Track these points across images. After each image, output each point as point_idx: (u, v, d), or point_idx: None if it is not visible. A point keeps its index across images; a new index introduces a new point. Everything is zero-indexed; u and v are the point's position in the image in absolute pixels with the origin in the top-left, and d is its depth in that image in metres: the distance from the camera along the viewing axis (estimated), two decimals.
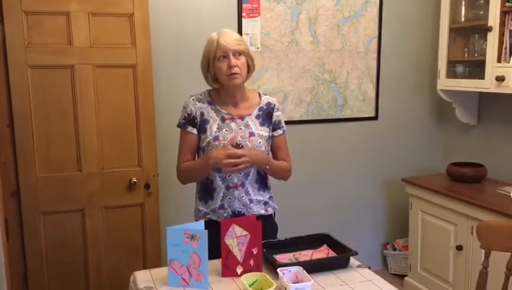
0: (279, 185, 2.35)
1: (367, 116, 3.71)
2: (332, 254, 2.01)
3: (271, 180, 2.26)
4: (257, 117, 2.17)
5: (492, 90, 3.02)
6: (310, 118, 3.54)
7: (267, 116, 2.19)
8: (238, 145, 2.06)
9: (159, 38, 3.06)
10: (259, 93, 2.26)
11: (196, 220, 2.16)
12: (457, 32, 3.38)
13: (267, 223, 2.16)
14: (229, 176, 2.10)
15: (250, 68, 2.14)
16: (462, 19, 3.36)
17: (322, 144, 3.62)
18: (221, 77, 2.09)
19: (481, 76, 3.08)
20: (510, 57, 2.91)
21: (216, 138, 2.09)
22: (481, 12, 3.16)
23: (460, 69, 3.35)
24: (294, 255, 2.00)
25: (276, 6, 3.34)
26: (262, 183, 2.20)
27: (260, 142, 2.13)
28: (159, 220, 2.93)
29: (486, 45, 3.04)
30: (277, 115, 2.22)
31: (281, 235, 2.22)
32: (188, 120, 2.14)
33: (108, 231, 2.84)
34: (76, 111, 2.70)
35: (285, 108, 3.45)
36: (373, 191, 3.83)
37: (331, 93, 3.57)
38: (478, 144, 3.59)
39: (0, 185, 2.31)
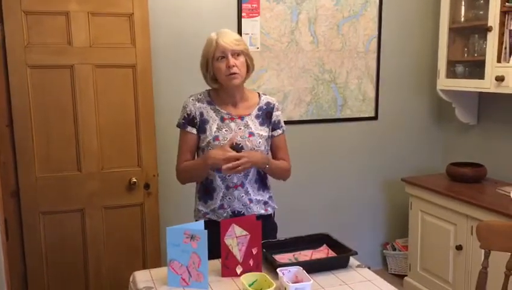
0: (279, 185, 2.35)
1: (367, 116, 3.71)
2: (332, 254, 2.01)
3: (271, 180, 2.26)
4: (256, 117, 2.17)
5: (492, 90, 3.02)
6: (309, 118, 3.54)
7: (266, 116, 2.19)
8: (237, 145, 2.07)
9: (159, 38, 3.06)
10: (258, 93, 2.26)
11: (196, 220, 2.16)
12: (457, 32, 3.38)
13: (267, 223, 2.16)
14: (228, 176, 2.10)
15: (249, 68, 2.14)
16: (462, 19, 3.36)
17: (322, 144, 3.62)
18: (220, 77, 2.09)
19: (481, 76, 3.08)
20: (510, 57, 2.91)
21: (216, 138, 2.09)
22: (481, 12, 3.16)
23: (460, 69, 3.35)
24: (294, 255, 2.00)
25: (276, 6, 3.34)
26: (262, 183, 2.21)
27: (260, 142, 2.13)
28: (158, 220, 2.93)
29: (486, 45, 3.04)
30: (276, 115, 2.22)
31: (281, 235, 2.22)
32: (188, 120, 2.14)
33: (108, 231, 2.84)
34: (76, 111, 2.70)
35: (285, 108, 3.45)
36: (373, 191, 3.83)
37: (331, 93, 3.57)
38: (478, 144, 3.59)
39: None
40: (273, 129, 2.21)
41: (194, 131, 2.14)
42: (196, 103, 2.15)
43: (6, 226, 2.52)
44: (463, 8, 3.35)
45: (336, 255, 1.99)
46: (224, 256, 1.85)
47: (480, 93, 3.49)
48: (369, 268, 1.94)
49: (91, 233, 2.81)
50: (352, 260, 1.97)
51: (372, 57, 3.64)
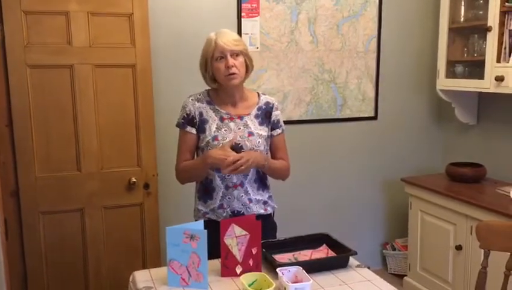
0: (278, 185, 2.35)
1: (366, 116, 3.71)
2: (331, 253, 2.01)
3: (270, 179, 2.26)
4: (256, 117, 2.17)
5: (492, 90, 3.02)
6: (309, 118, 3.54)
7: (266, 115, 2.19)
8: (237, 145, 2.07)
9: (159, 38, 3.06)
10: (258, 92, 2.26)
11: (195, 220, 2.16)
12: (456, 32, 3.38)
13: (267, 222, 2.16)
14: (228, 175, 2.10)
15: (248, 68, 2.14)
16: (462, 19, 3.37)
17: (322, 144, 3.62)
18: (219, 77, 2.09)
19: (480, 76, 3.08)
20: (509, 57, 2.91)
21: (215, 138, 2.09)
22: (480, 12, 3.16)
23: (459, 69, 3.35)
24: (293, 255, 2.00)
25: (276, 6, 3.34)
26: (262, 182, 2.21)
27: (259, 141, 2.13)
28: (158, 220, 2.93)
29: (485, 45, 3.04)
30: (276, 115, 2.22)
31: (281, 235, 2.22)
32: (187, 120, 2.14)
33: (108, 230, 2.84)
34: (76, 111, 2.70)
35: (285, 108, 3.45)
36: (372, 191, 3.83)
37: (331, 93, 3.57)
38: (477, 144, 3.59)
39: None
40: (273, 129, 2.21)
41: (194, 131, 2.14)
42: (195, 102, 2.15)
43: (6, 226, 2.52)
44: (463, 8, 3.35)
45: (335, 255, 1.99)
46: (223, 256, 1.85)
47: (480, 93, 3.49)
48: (368, 268, 1.95)
49: (91, 233, 2.81)
50: (352, 260, 1.97)
51: (371, 57, 3.64)
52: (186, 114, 2.14)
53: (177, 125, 2.18)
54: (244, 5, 3.26)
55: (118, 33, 2.72)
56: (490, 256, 2.06)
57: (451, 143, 3.84)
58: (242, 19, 3.27)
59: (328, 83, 3.56)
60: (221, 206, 2.14)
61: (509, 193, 2.91)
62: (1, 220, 2.30)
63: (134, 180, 2.82)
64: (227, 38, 2.06)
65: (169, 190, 3.04)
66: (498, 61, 2.96)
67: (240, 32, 3.24)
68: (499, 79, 2.92)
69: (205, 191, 2.17)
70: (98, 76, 2.72)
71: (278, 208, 2.29)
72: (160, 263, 2.85)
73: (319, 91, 3.54)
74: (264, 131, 2.17)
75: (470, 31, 3.31)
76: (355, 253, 1.95)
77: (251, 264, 1.84)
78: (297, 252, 2.02)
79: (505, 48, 2.93)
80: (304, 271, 1.71)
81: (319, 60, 3.51)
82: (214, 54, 2.07)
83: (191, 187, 2.27)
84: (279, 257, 1.95)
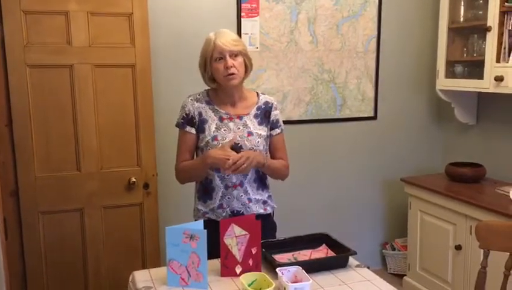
0: (278, 184, 2.35)
1: (366, 116, 3.71)
2: (331, 253, 2.01)
3: (270, 179, 2.26)
4: (255, 116, 2.17)
5: (491, 90, 3.02)
6: (309, 117, 3.54)
7: (265, 115, 2.19)
8: (236, 145, 2.07)
9: (159, 38, 3.06)
10: (257, 92, 2.26)
11: (195, 220, 2.17)
12: (456, 32, 3.38)
13: (266, 222, 2.16)
14: (227, 175, 2.10)
15: (247, 68, 2.14)
16: (461, 19, 3.37)
17: (321, 143, 3.62)
18: (218, 78, 2.09)
19: (480, 76, 3.09)
20: (509, 57, 2.91)
21: (214, 138, 2.09)
22: (480, 12, 3.16)
23: (459, 69, 3.36)
24: (293, 255, 2.00)
25: (275, 6, 3.34)
26: (261, 182, 2.21)
27: (258, 141, 2.13)
28: (158, 220, 2.93)
29: (485, 45, 3.04)
30: (275, 114, 2.22)
31: (280, 234, 2.22)
32: (187, 120, 2.14)
33: (107, 230, 2.84)
34: (75, 111, 2.70)
35: (284, 108, 3.45)
36: (372, 191, 3.83)
37: (330, 93, 3.58)
38: (477, 144, 3.59)
39: None
40: (272, 128, 2.21)
41: (193, 131, 2.14)
42: (195, 102, 2.15)
43: (6, 226, 2.52)
44: (462, 8, 3.35)
45: (335, 255, 1.99)
46: (223, 256, 1.85)
47: (480, 93, 3.49)
48: (368, 268, 1.95)
49: (90, 233, 2.81)
50: (352, 260, 1.97)
51: (371, 57, 3.64)
52: (186, 114, 2.15)
53: (177, 125, 2.18)
54: (243, 5, 3.26)
55: (117, 33, 2.72)
56: (490, 256, 2.07)
57: (450, 143, 3.85)
58: (242, 19, 3.27)
59: (328, 83, 3.56)
60: (220, 206, 2.14)
61: (509, 192, 2.92)
62: (1, 219, 2.30)
63: (134, 180, 2.82)
64: (226, 38, 2.06)
65: (169, 189, 3.04)
66: (497, 61, 2.96)
67: (239, 32, 3.24)
68: (499, 79, 2.93)
69: (205, 191, 2.17)
70: (98, 76, 2.72)
71: (277, 208, 2.29)
72: (159, 263, 2.85)
73: (318, 91, 3.54)
74: (263, 131, 2.17)
75: (469, 31, 3.31)
76: (354, 253, 1.95)
77: (251, 264, 1.84)
78: (297, 252, 2.02)
79: (505, 48, 2.93)
80: (303, 271, 1.71)
81: (318, 60, 3.51)
82: (213, 54, 2.07)
83: (191, 187, 2.27)
84: (279, 257, 1.95)
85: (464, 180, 3.28)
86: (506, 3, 2.90)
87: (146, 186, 2.85)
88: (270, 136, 2.21)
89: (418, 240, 3.42)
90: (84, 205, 2.78)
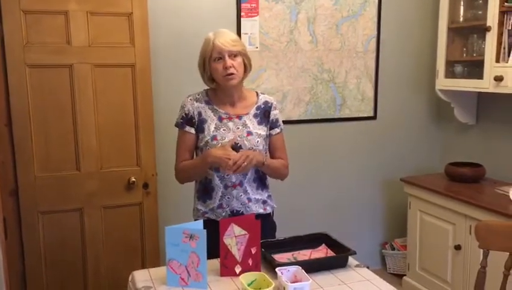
0: (277, 184, 2.35)
1: (365, 115, 3.71)
2: (330, 253, 2.01)
3: (269, 179, 2.26)
4: (255, 116, 2.17)
5: (491, 90, 3.02)
6: (308, 117, 3.54)
7: (264, 115, 2.19)
8: (236, 145, 2.07)
9: (159, 38, 3.06)
10: (256, 92, 2.26)
11: (195, 220, 2.17)
12: (456, 32, 3.38)
13: (266, 222, 2.16)
14: (227, 175, 2.10)
15: (247, 68, 2.14)
16: (461, 19, 3.37)
17: (321, 143, 3.62)
18: (217, 78, 2.09)
19: (480, 76, 3.09)
20: (508, 56, 2.91)
21: (214, 138, 2.09)
22: (480, 12, 3.16)
23: (458, 69, 3.36)
24: (292, 255, 2.00)
25: (275, 6, 3.34)
26: (261, 182, 2.21)
27: (258, 141, 2.13)
28: (157, 220, 2.93)
29: (484, 45, 3.04)
30: (274, 114, 2.22)
31: (280, 234, 2.22)
32: (186, 120, 2.14)
33: (107, 230, 2.84)
34: (75, 110, 2.70)
35: (284, 108, 3.45)
36: (372, 190, 3.83)
37: (330, 93, 3.58)
38: (477, 143, 3.59)
39: None
40: (271, 128, 2.21)
41: (193, 131, 2.14)
42: (194, 102, 2.15)
43: (5, 226, 2.52)
44: (462, 8, 3.35)
45: (334, 254, 1.99)
46: (223, 255, 1.85)
47: (479, 93, 3.49)
48: (367, 268, 1.95)
49: (90, 232, 2.81)
50: (351, 260, 1.97)
51: (371, 57, 3.64)
52: (185, 114, 2.15)
53: (176, 125, 2.18)
54: (243, 5, 3.26)
55: (117, 33, 2.72)
56: (489, 256, 2.07)
57: (450, 143, 3.85)
58: (241, 19, 3.27)
59: (327, 83, 3.56)
60: (220, 206, 2.14)
61: (509, 192, 2.92)
62: (0, 219, 2.30)
63: (134, 180, 2.82)
64: (225, 38, 2.06)
65: (169, 189, 3.04)
66: (497, 61, 2.96)
67: (239, 32, 3.24)
68: (498, 79, 2.93)
69: (204, 191, 2.17)
70: (98, 76, 2.72)
71: (277, 208, 2.29)
72: (159, 262, 2.85)
73: (318, 91, 3.54)
74: (262, 130, 2.17)
75: (469, 31, 3.31)
76: (354, 253, 1.95)
77: (250, 264, 1.84)
78: (297, 252, 2.02)
79: (504, 48, 2.93)
80: (303, 271, 1.71)
81: (318, 60, 3.51)
82: (211, 55, 2.06)
83: (190, 187, 2.27)
84: (279, 257, 1.95)
85: (463, 180, 3.28)
86: (505, 3, 2.90)
87: (146, 186, 2.85)
88: (269, 136, 2.21)
89: (418, 240, 3.42)
90: (84, 204, 2.78)
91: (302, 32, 3.43)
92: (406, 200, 3.54)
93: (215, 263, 1.89)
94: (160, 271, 1.90)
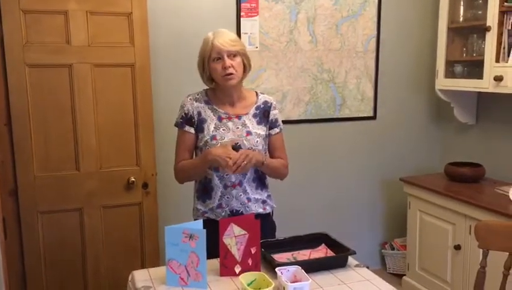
0: (277, 184, 2.35)
1: (365, 115, 3.71)
2: (330, 253, 2.01)
3: (269, 179, 2.26)
4: (254, 116, 2.17)
5: (491, 90, 3.02)
6: (308, 117, 3.54)
7: (264, 114, 2.19)
8: (236, 144, 2.07)
9: (159, 38, 3.06)
10: (256, 92, 2.26)
11: (194, 219, 2.17)
12: (455, 32, 3.38)
13: (266, 221, 2.16)
14: (226, 175, 2.10)
15: (246, 68, 2.14)
16: (461, 19, 3.37)
17: (321, 143, 3.62)
18: (216, 78, 2.09)
19: (479, 76, 3.08)
20: (508, 56, 2.91)
21: (213, 137, 2.09)
22: (479, 12, 3.16)
23: (458, 69, 3.36)
24: (292, 255, 2.00)
25: (275, 6, 3.34)
26: (260, 182, 2.21)
27: (257, 141, 2.13)
28: (157, 220, 2.93)
29: (484, 45, 3.04)
30: (274, 114, 2.22)
31: (280, 234, 2.22)
32: (185, 119, 2.14)
33: (107, 230, 2.84)
34: (75, 110, 2.70)
35: (284, 107, 3.45)
36: (371, 190, 3.83)
37: (330, 93, 3.57)
38: (476, 143, 3.59)
39: None
40: (271, 128, 2.21)
41: (192, 130, 2.14)
42: (194, 102, 2.15)
43: (5, 225, 2.52)
44: (462, 8, 3.35)
45: (334, 254, 1.99)
46: (222, 255, 1.85)
47: (479, 93, 3.49)
48: (367, 268, 1.95)
49: (89, 232, 2.81)
50: (351, 260, 1.97)
51: (370, 57, 3.64)
52: (185, 114, 2.14)
53: (176, 124, 2.18)
54: (243, 5, 3.26)
55: (117, 32, 2.72)
56: (489, 256, 2.06)
57: (450, 143, 3.85)
58: (241, 19, 3.27)
59: (327, 83, 3.56)
60: (220, 206, 2.13)
61: (508, 192, 2.92)
62: (0, 219, 2.30)
63: (133, 179, 2.82)
64: (224, 38, 2.06)
65: (168, 189, 3.04)
66: (497, 61, 2.96)
67: (239, 32, 3.24)
68: (498, 79, 2.93)
69: (204, 191, 2.17)
70: (97, 75, 2.72)
71: (276, 208, 2.29)
72: (159, 262, 2.85)
73: (318, 91, 3.54)
74: (262, 130, 2.17)
75: (469, 31, 3.31)
76: (354, 253, 1.95)
77: (250, 264, 1.84)
78: (296, 252, 2.02)
79: (504, 48, 2.93)
80: (302, 271, 1.71)
81: (318, 60, 3.51)
82: (211, 55, 2.06)
83: (190, 187, 2.27)
84: (278, 257, 1.95)
85: (463, 180, 3.28)
86: (505, 3, 2.90)
87: (145, 185, 2.85)
88: (269, 136, 2.21)
89: (417, 239, 3.42)
90: (84, 204, 2.78)
91: (302, 32, 3.43)
92: (405, 200, 3.54)
93: (215, 262, 1.89)
94: (159, 271, 1.90)
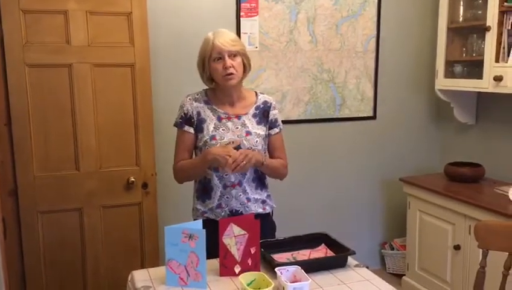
0: (277, 184, 2.35)
1: (365, 115, 3.71)
2: (330, 253, 2.01)
3: (269, 179, 2.26)
4: (254, 116, 2.17)
5: (491, 90, 3.02)
6: (308, 117, 3.54)
7: (263, 114, 2.19)
8: (238, 147, 2.07)
9: (159, 38, 3.06)
10: (255, 92, 2.26)
11: (194, 219, 2.16)
12: (455, 32, 3.38)
13: (265, 221, 2.16)
14: (226, 175, 2.10)
15: (246, 68, 2.14)
16: (461, 19, 3.37)
17: (320, 143, 3.62)
18: (217, 78, 2.09)
19: (479, 76, 3.09)
20: (508, 56, 2.91)
21: (213, 137, 2.09)
22: (479, 12, 3.16)
23: (458, 69, 3.36)
24: (292, 255, 2.00)
25: (275, 6, 3.34)
26: (260, 182, 2.20)
27: (257, 141, 2.13)
28: (157, 220, 2.93)
29: (484, 45, 3.04)
30: (273, 114, 2.22)
31: (279, 234, 2.22)
32: (185, 119, 2.14)
33: (106, 230, 2.84)
34: (74, 110, 2.70)
35: (284, 107, 3.45)
36: (371, 190, 3.83)
37: (330, 93, 3.57)
38: (476, 143, 3.59)
39: None
40: (270, 128, 2.21)
41: (191, 130, 2.14)
42: (193, 102, 2.15)
43: (5, 225, 2.52)
44: (461, 8, 3.35)
45: (334, 254, 1.99)
46: (222, 255, 1.85)
47: (479, 93, 3.49)
48: (367, 268, 1.95)
49: (89, 232, 2.81)
50: (351, 260, 1.97)
51: (370, 57, 3.64)
52: (184, 114, 2.14)
53: (175, 124, 2.18)
54: (243, 5, 3.26)
55: (116, 32, 2.72)
56: (488, 256, 2.07)
57: (449, 143, 3.85)
58: (241, 19, 3.27)
59: (327, 83, 3.56)
60: (219, 206, 2.13)
61: (508, 192, 2.92)
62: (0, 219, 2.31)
63: (133, 179, 2.82)
64: (225, 38, 2.06)
65: (168, 189, 3.04)
66: (497, 61, 2.96)
67: (238, 32, 3.24)
68: (498, 79, 2.93)
69: (203, 191, 2.17)
70: (97, 75, 2.71)
71: (276, 208, 2.29)
72: (158, 262, 2.85)
73: (317, 91, 3.54)
74: (261, 130, 2.17)
75: (468, 31, 3.31)
76: (353, 253, 1.95)
77: (250, 264, 1.84)
78: (296, 252, 2.02)
79: (504, 48, 2.93)
80: (302, 271, 1.71)
81: (317, 60, 3.51)
82: (211, 55, 2.06)
83: (190, 187, 2.27)
84: (278, 257, 1.95)
85: (463, 180, 3.28)
86: (505, 3, 2.90)
87: (145, 185, 2.85)
88: (268, 136, 2.21)
89: (417, 239, 3.42)
90: (83, 204, 2.78)
91: (302, 32, 3.43)
92: (405, 200, 3.54)
93: (215, 262, 1.89)
94: (159, 271, 1.90)
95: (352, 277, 1.85)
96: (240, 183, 2.13)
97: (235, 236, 1.83)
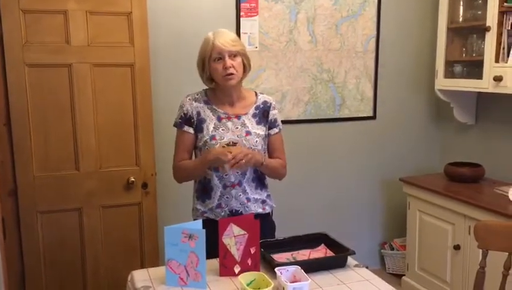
0: (277, 184, 2.35)
1: (365, 115, 3.71)
2: (330, 253, 2.01)
3: (268, 179, 2.26)
4: (253, 116, 2.17)
5: (490, 90, 3.02)
6: (307, 117, 3.54)
7: (263, 114, 2.19)
8: (235, 144, 2.07)
9: (158, 38, 3.06)
10: (255, 92, 2.26)
11: (194, 219, 2.16)
12: (455, 32, 3.38)
13: (265, 221, 2.16)
14: (226, 175, 2.10)
15: (246, 68, 2.14)
16: (460, 19, 3.37)
17: (320, 143, 3.62)
18: (217, 78, 2.09)
19: (479, 76, 3.09)
20: (508, 57, 2.91)
21: (213, 137, 2.09)
22: (479, 12, 3.16)
23: (458, 69, 3.36)
24: (292, 255, 2.00)
25: (275, 6, 3.34)
26: (260, 182, 2.21)
27: (257, 141, 2.13)
28: (156, 220, 2.93)
29: (484, 45, 3.04)
30: (273, 114, 2.22)
31: (279, 234, 2.22)
32: (185, 119, 2.14)
33: (106, 230, 2.84)
34: (74, 110, 2.70)
35: (283, 107, 3.45)
36: (371, 190, 3.83)
37: (329, 93, 3.57)
38: (476, 143, 3.59)
39: None
40: (270, 128, 2.21)
41: (191, 130, 2.14)
42: (193, 102, 2.15)
43: (4, 225, 2.52)
44: (461, 8, 3.35)
45: (333, 254, 1.99)
46: (222, 255, 1.85)
47: (479, 93, 3.49)
48: (367, 268, 1.95)
49: (89, 232, 2.80)
50: (350, 260, 1.97)
51: (370, 57, 3.64)
52: (184, 114, 2.14)
53: (175, 124, 2.18)
54: (243, 5, 3.26)
55: (116, 32, 2.72)
56: (488, 256, 2.06)
57: (449, 143, 3.85)
58: (241, 19, 3.27)
59: (327, 83, 3.56)
60: (219, 206, 2.13)
61: (508, 193, 2.92)
62: None
63: (133, 179, 2.82)
64: (225, 38, 2.06)
65: (168, 189, 3.04)
66: (496, 61, 2.96)
67: (238, 32, 3.24)
68: (498, 79, 2.93)
69: (203, 191, 2.17)
70: (97, 75, 2.71)
71: (276, 208, 2.29)
72: (158, 262, 2.85)
73: (317, 91, 3.54)
74: (261, 130, 2.17)
75: (468, 31, 3.31)
76: (353, 253, 1.95)
77: (249, 264, 1.84)
78: (296, 252, 2.02)
79: (504, 48, 2.93)
80: (302, 271, 1.71)
81: (317, 60, 3.50)
82: (211, 55, 2.06)
83: (190, 186, 2.27)
84: (278, 257, 1.95)
85: (462, 180, 3.28)
86: (505, 3, 2.90)
87: (145, 185, 2.85)
88: (268, 136, 2.21)
89: (417, 240, 3.42)
90: (83, 204, 2.78)
91: (302, 32, 3.43)
92: (405, 200, 3.54)
93: (214, 262, 1.89)
94: (159, 271, 1.90)
95: (352, 277, 1.85)
96: (239, 183, 2.13)
97: (234, 236, 1.83)
